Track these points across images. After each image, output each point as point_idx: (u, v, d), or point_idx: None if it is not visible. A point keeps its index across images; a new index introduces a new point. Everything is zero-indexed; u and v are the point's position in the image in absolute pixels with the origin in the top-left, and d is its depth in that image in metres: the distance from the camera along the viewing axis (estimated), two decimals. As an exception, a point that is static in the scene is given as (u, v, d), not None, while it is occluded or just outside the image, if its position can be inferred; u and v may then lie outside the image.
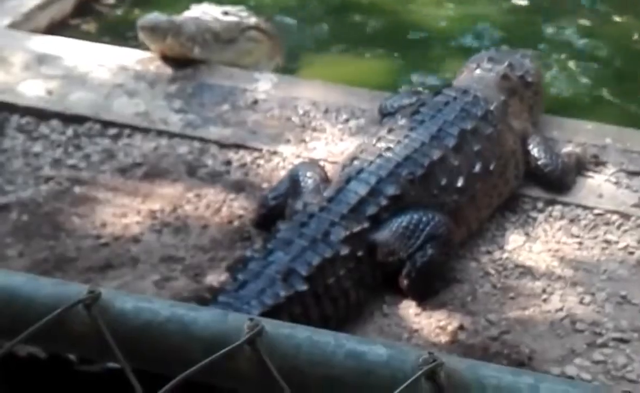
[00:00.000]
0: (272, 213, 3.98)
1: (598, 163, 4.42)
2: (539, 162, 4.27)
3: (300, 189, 3.97)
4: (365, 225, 3.69)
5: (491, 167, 4.05)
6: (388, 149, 3.93)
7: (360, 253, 3.64)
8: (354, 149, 4.16)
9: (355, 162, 3.93)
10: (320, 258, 3.51)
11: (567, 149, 4.44)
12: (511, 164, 4.20)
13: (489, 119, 4.18)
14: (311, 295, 3.45)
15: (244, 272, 3.46)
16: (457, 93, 4.26)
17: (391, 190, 3.78)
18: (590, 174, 4.37)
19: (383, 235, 3.71)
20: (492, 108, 4.23)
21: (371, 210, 3.72)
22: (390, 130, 4.07)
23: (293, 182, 4.05)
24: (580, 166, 4.37)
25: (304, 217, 3.68)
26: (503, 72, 4.48)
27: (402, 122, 4.13)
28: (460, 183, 3.93)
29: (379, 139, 4.03)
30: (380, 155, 3.90)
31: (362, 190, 3.76)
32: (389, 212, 3.75)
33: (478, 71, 4.53)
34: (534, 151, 4.28)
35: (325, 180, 4.02)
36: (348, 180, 3.81)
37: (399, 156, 3.89)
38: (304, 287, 3.43)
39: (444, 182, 3.90)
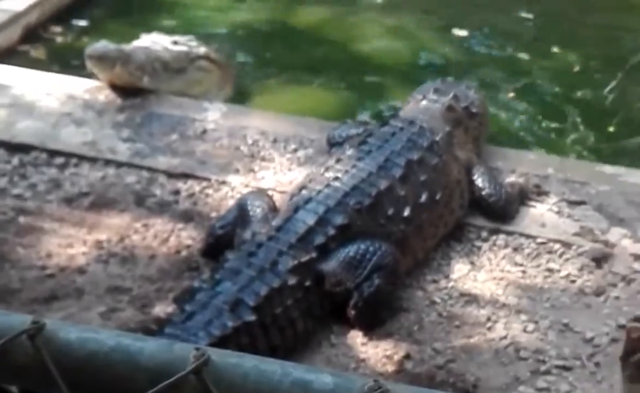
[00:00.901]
0: (219, 243, 3.98)
1: (540, 192, 4.52)
2: (483, 192, 4.34)
3: (249, 218, 3.97)
4: (313, 254, 3.69)
5: (437, 197, 4.11)
6: (336, 178, 3.96)
7: (307, 283, 3.65)
8: (303, 179, 4.19)
9: (304, 192, 3.94)
10: (267, 288, 3.51)
11: (511, 179, 4.53)
12: (456, 193, 4.26)
13: (435, 149, 4.24)
14: (259, 325, 3.45)
15: (191, 303, 3.44)
16: (403, 124, 4.31)
17: (339, 219, 3.79)
18: (533, 203, 4.46)
19: (330, 265, 3.72)
20: (437, 139, 4.28)
21: (319, 239, 3.73)
22: (338, 160, 4.11)
23: (241, 212, 4.05)
24: (524, 196, 4.46)
25: (252, 247, 3.68)
26: (448, 103, 4.55)
27: (350, 152, 4.17)
28: (406, 213, 3.97)
29: (326, 169, 4.07)
30: (328, 185, 3.92)
31: (310, 220, 3.76)
32: (336, 241, 3.76)
33: (424, 102, 4.59)
34: (479, 181, 4.36)
35: (274, 209, 4.03)
36: (296, 210, 3.82)
37: (347, 186, 3.91)
38: (251, 318, 3.43)
39: (390, 211, 3.94)
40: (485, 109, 4.85)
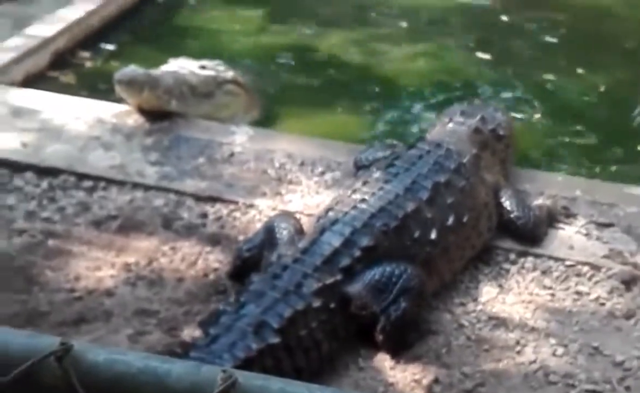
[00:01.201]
0: (246, 265, 3.98)
1: (569, 214, 4.48)
2: (512, 215, 4.31)
3: (275, 241, 3.97)
4: (338, 277, 3.68)
5: (464, 220, 4.09)
6: (362, 200, 3.95)
7: (332, 305, 3.63)
8: (329, 201, 4.19)
9: (330, 214, 3.95)
10: (292, 310, 3.50)
11: (539, 201, 4.50)
12: (484, 216, 4.24)
13: (462, 171, 4.22)
14: (283, 347, 3.43)
15: (215, 325, 3.44)
16: (430, 146, 4.30)
17: (365, 241, 3.78)
18: (561, 225, 4.43)
19: (356, 287, 3.70)
20: (464, 161, 4.27)
21: (344, 261, 3.72)
22: (365, 183, 4.11)
23: (268, 234, 4.06)
24: (552, 218, 4.43)
25: (277, 269, 3.67)
26: (475, 125, 4.54)
27: (377, 174, 4.17)
28: (433, 235, 3.96)
29: (353, 191, 4.07)
30: (354, 207, 3.92)
31: (336, 241, 3.76)
32: (362, 263, 3.75)
33: (451, 125, 4.58)
34: (507, 204, 4.33)
35: (300, 231, 4.03)
36: (322, 232, 3.82)
37: (373, 207, 3.90)
38: (275, 340, 3.41)
39: (417, 234, 3.93)
40: (512, 131, 4.83)
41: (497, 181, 4.42)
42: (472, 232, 4.15)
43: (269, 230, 4.08)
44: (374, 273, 3.73)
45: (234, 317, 3.46)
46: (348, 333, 3.70)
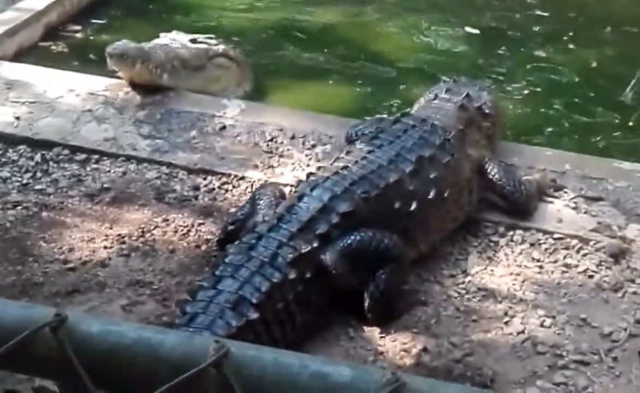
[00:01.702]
0: (231, 238, 3.90)
1: (557, 188, 4.51)
2: (505, 189, 4.31)
3: (256, 209, 3.96)
4: (315, 244, 3.62)
5: (445, 194, 4.06)
6: (344, 168, 3.91)
7: (308, 275, 3.58)
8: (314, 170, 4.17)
9: (311, 179, 3.92)
10: (269, 284, 3.44)
11: (527, 176, 4.52)
12: (465, 191, 4.23)
13: (447, 147, 4.19)
14: (261, 322, 3.39)
15: (193, 303, 3.38)
16: (415, 121, 4.29)
17: (344, 207, 3.74)
18: (550, 199, 4.46)
19: (332, 256, 3.64)
20: (449, 137, 4.25)
21: (321, 228, 3.66)
22: (348, 152, 4.11)
23: (252, 205, 4.05)
24: (541, 192, 4.46)
25: (252, 239, 3.61)
26: (461, 102, 4.51)
27: (361, 145, 4.16)
28: (413, 207, 3.93)
29: (336, 160, 4.06)
30: (336, 173, 3.88)
31: (314, 207, 3.71)
32: (339, 230, 3.69)
33: (436, 101, 4.56)
34: (497, 178, 4.33)
35: (282, 198, 3.98)
36: (300, 197, 3.77)
37: (355, 175, 3.87)
38: (255, 315, 3.36)
39: (397, 205, 3.90)
40: (498, 110, 4.80)
41: (482, 157, 4.40)
42: (453, 206, 4.14)
43: (252, 201, 4.07)
44: (352, 241, 3.67)
45: (212, 293, 3.40)
46: (322, 303, 3.66)
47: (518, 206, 4.31)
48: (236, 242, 3.69)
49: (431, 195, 4.00)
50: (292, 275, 3.52)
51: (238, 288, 3.41)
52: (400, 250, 3.78)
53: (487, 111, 4.61)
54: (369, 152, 4.04)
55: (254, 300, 3.39)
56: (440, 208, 4.06)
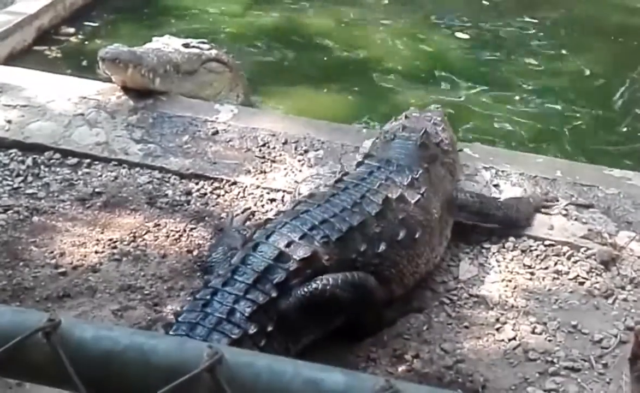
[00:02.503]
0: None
1: (551, 200, 4.49)
2: (490, 212, 4.26)
3: (209, 265, 3.79)
4: (273, 294, 3.42)
5: (417, 236, 3.89)
6: (306, 212, 3.72)
7: (270, 329, 3.37)
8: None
9: (268, 226, 3.71)
10: (228, 341, 3.22)
11: (516, 195, 4.47)
12: (437, 231, 4.07)
13: (415, 186, 4.04)
14: None
15: None
16: (380, 163, 4.12)
17: (301, 252, 3.53)
18: (545, 211, 4.44)
19: (293, 306, 3.44)
20: (417, 176, 4.09)
21: (279, 277, 3.45)
22: (310, 196, 3.93)
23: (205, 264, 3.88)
24: (535, 207, 4.41)
25: (207, 294, 3.40)
26: (421, 140, 4.30)
27: (324, 189, 4.01)
28: (381, 249, 3.74)
29: (297, 203, 3.88)
30: (295, 218, 3.68)
31: (270, 255, 3.51)
32: (299, 278, 3.49)
33: (397, 141, 4.33)
34: (479, 205, 4.26)
35: (243, 243, 3.73)
36: (255, 246, 3.56)
37: (316, 219, 3.67)
38: None
39: (363, 247, 3.69)
40: (454, 146, 4.62)
41: (450, 193, 4.28)
42: (426, 248, 3.96)
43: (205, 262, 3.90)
44: (313, 289, 3.48)
45: None
46: (289, 354, 3.38)
47: (507, 221, 4.26)
48: (189, 298, 3.54)
49: (400, 236, 3.82)
50: (252, 330, 3.31)
51: None
52: (370, 287, 3.63)
53: (445, 147, 4.45)
54: (333, 195, 3.86)
55: None
56: (411, 250, 3.87)
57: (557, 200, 4.50)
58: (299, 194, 4.37)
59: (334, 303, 3.52)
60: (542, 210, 4.44)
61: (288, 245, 3.55)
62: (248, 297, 3.39)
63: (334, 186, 3.99)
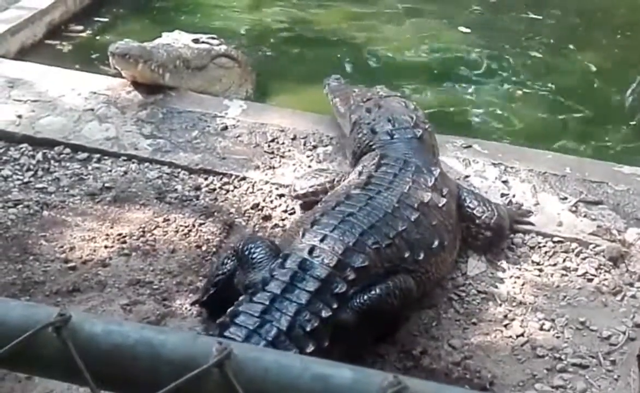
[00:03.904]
0: (216, 299, 3.62)
1: (524, 214, 4.35)
2: (484, 215, 4.13)
3: (254, 261, 3.53)
4: (334, 305, 3.29)
5: (445, 243, 3.83)
6: (350, 214, 3.62)
7: (326, 345, 3.22)
8: (310, 213, 3.83)
9: (315, 226, 3.57)
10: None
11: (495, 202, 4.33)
12: (456, 236, 4.00)
13: (438, 188, 3.95)
14: None
15: None
16: (397, 163, 4.01)
17: (359, 261, 3.44)
18: (521, 227, 4.30)
19: (350, 319, 3.33)
20: (437, 175, 4.00)
21: (339, 287, 3.35)
22: (348, 196, 3.79)
23: (237, 259, 3.62)
24: (511, 221, 4.26)
25: (265, 299, 3.24)
26: (420, 133, 4.22)
27: (356, 190, 3.85)
28: (421, 256, 3.69)
29: (336, 203, 3.73)
30: (343, 221, 3.57)
31: (328, 261, 3.39)
32: (355, 286, 3.39)
33: (397, 137, 4.23)
34: (473, 206, 4.13)
35: (276, 248, 3.60)
36: (311, 251, 3.42)
37: (364, 224, 3.58)
38: None
39: (407, 254, 3.64)
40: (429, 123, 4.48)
41: (458, 188, 4.19)
42: (449, 256, 3.92)
43: (237, 255, 3.63)
44: (369, 298, 3.39)
45: None
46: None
47: (495, 229, 4.12)
48: (243, 297, 3.31)
49: (435, 244, 3.76)
50: (309, 349, 3.16)
51: None
52: (412, 291, 3.60)
53: (428, 128, 4.35)
54: (370, 198, 3.74)
55: None
56: (439, 257, 3.81)
57: (530, 213, 4.34)
58: (294, 190, 4.36)
59: (388, 312, 3.46)
60: (516, 224, 4.29)
61: (344, 253, 3.44)
62: (310, 310, 3.23)
63: (365, 188, 3.84)
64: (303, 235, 3.54)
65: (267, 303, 3.22)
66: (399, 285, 3.52)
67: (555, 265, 4.14)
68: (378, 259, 3.53)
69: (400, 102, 4.54)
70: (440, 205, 3.90)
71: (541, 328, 3.78)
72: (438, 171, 4.07)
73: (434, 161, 4.25)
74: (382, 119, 4.35)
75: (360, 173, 4.09)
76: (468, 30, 6.95)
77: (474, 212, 4.11)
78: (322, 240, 3.46)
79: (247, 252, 3.57)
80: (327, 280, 3.32)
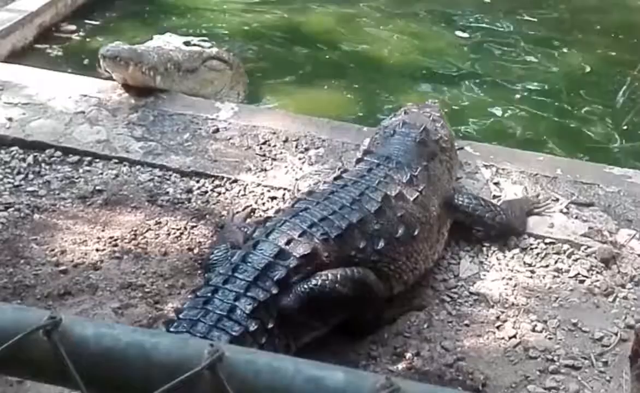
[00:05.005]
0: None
1: (545, 198, 4.48)
2: (485, 217, 4.21)
3: (210, 262, 3.77)
4: (274, 291, 3.43)
5: (415, 233, 3.89)
6: (305, 209, 3.73)
7: (270, 326, 3.37)
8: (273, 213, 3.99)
9: (268, 223, 3.72)
10: (229, 338, 3.23)
11: (507, 198, 4.46)
12: (435, 229, 4.07)
13: (414, 183, 4.05)
14: None
15: None
16: (379, 160, 4.13)
17: (301, 249, 3.54)
18: (541, 211, 4.42)
19: (293, 302, 3.45)
20: (416, 173, 4.09)
21: (279, 273, 3.47)
22: (310, 193, 3.92)
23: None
24: (529, 208, 4.39)
25: (207, 292, 3.42)
26: (420, 137, 4.30)
27: (323, 186, 3.99)
28: (380, 245, 3.75)
29: (297, 201, 3.88)
30: (295, 215, 3.69)
31: (270, 252, 3.52)
32: (299, 274, 3.50)
33: (396, 137, 4.34)
34: (473, 208, 4.22)
35: (236, 247, 3.75)
36: (255, 245, 3.58)
37: (315, 217, 3.69)
38: None
39: (362, 244, 3.70)
40: (453, 143, 4.60)
41: (449, 191, 4.29)
42: (424, 245, 3.97)
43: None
44: (314, 284, 3.49)
45: None
46: (289, 351, 3.42)
47: (503, 228, 4.23)
48: (190, 296, 3.54)
49: (399, 233, 3.83)
50: (252, 327, 3.31)
51: None
52: (369, 283, 3.64)
53: (444, 144, 4.44)
54: (332, 192, 3.85)
55: None
56: (409, 246, 3.87)
57: (557, 200, 4.48)
58: (298, 190, 4.37)
59: (334, 299, 3.52)
60: (535, 212, 4.41)
61: (288, 243, 3.56)
62: (248, 295, 3.39)
63: (332, 183, 3.98)
64: (253, 232, 3.72)
65: (209, 295, 3.39)
66: (350, 275, 3.57)
67: (547, 266, 4.14)
68: (326, 249, 3.61)
69: (429, 113, 4.60)
70: (412, 198, 3.97)
71: (533, 330, 3.78)
72: (419, 169, 4.11)
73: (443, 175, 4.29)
74: (398, 121, 4.46)
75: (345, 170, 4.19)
76: (461, 31, 6.96)
77: (477, 214, 4.20)
78: (267, 235, 3.61)
79: (210, 255, 3.84)
80: (266, 268, 3.47)
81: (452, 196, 4.25)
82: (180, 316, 3.34)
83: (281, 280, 3.46)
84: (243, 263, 3.50)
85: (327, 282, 3.51)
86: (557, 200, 4.52)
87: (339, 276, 3.54)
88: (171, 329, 3.28)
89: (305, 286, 3.48)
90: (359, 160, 4.23)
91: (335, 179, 4.04)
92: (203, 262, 3.98)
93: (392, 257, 3.80)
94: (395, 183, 3.98)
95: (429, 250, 4.00)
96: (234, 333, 3.26)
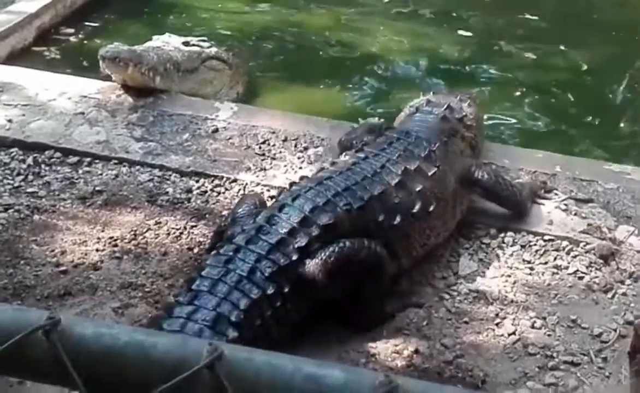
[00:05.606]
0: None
1: (548, 189, 4.53)
2: (501, 193, 4.27)
3: (234, 217, 3.83)
4: (294, 257, 3.51)
5: (430, 208, 3.97)
6: (329, 178, 3.81)
7: (286, 290, 3.46)
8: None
9: (293, 188, 3.81)
10: (248, 301, 3.32)
11: (517, 180, 4.53)
12: (450, 205, 4.13)
13: (432, 158, 4.12)
14: (239, 340, 3.17)
15: (169, 321, 3.21)
16: (399, 134, 4.22)
17: (325, 218, 3.63)
18: (542, 201, 4.48)
19: (311, 269, 3.52)
20: (434, 148, 4.17)
21: (301, 241, 3.54)
22: (333, 163, 4.02)
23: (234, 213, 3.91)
24: (533, 194, 4.47)
25: (230, 250, 3.49)
26: (442, 114, 4.41)
27: (345, 158, 4.08)
28: (397, 220, 3.83)
29: (320, 170, 3.98)
30: (319, 184, 3.78)
31: (295, 218, 3.61)
32: (320, 242, 3.57)
33: (418, 114, 4.46)
34: (491, 183, 4.27)
35: (263, 205, 3.89)
36: (281, 208, 3.66)
37: (339, 186, 3.77)
38: (234, 334, 3.22)
39: (381, 217, 3.79)
40: (479, 122, 4.71)
41: (469, 165, 4.33)
42: (437, 221, 4.03)
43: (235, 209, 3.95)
44: (332, 252, 3.55)
45: (188, 310, 3.27)
46: (299, 317, 3.54)
47: (514, 207, 4.30)
48: (213, 253, 3.58)
49: (416, 208, 3.91)
50: (270, 291, 3.41)
51: (216, 306, 3.30)
52: (382, 259, 3.70)
53: (468, 122, 4.53)
54: (354, 163, 3.94)
55: (233, 319, 3.28)
56: (424, 222, 3.94)
57: (554, 191, 4.50)
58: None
59: (348, 266, 3.58)
60: (540, 199, 4.46)
61: (312, 210, 3.63)
62: (270, 257, 3.47)
63: (354, 155, 4.05)
64: (279, 194, 3.82)
65: (231, 254, 3.47)
66: (367, 245, 3.63)
67: (546, 263, 4.15)
68: (348, 220, 3.69)
69: (458, 95, 4.73)
70: (430, 173, 4.04)
71: (532, 327, 3.79)
72: (437, 144, 4.19)
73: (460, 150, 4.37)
74: (423, 100, 4.60)
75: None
76: (462, 31, 6.96)
77: (495, 190, 4.27)
78: (294, 200, 3.68)
79: (235, 208, 3.92)
80: (290, 233, 3.54)
81: (472, 171, 4.30)
82: (203, 273, 3.41)
83: (302, 247, 3.53)
84: (267, 225, 3.57)
85: (344, 249, 3.56)
86: (555, 190, 4.54)
87: (356, 245, 3.60)
88: (193, 287, 3.36)
89: (324, 254, 3.54)
90: (379, 135, 4.31)
91: (357, 151, 4.11)
92: (229, 214, 3.98)
93: (405, 232, 3.87)
94: (414, 157, 4.06)
95: (442, 226, 4.08)
96: (252, 297, 3.35)
